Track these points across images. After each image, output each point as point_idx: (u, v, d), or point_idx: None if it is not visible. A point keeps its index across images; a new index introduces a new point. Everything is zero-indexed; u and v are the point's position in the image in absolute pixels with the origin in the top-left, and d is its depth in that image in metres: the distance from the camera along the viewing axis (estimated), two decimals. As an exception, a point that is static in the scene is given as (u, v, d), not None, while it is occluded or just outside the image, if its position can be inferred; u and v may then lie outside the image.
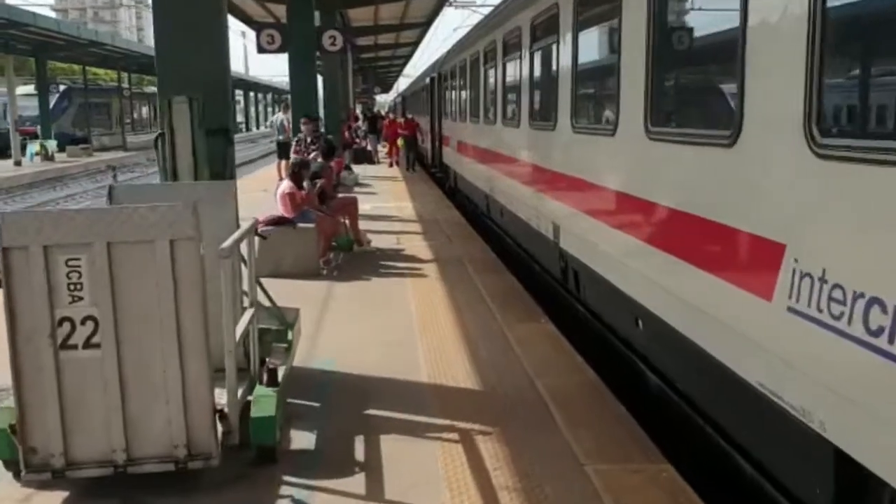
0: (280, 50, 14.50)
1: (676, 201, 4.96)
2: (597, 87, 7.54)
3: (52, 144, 36.40)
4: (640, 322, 5.69)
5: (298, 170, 9.40)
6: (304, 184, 9.39)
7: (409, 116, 25.92)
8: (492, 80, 12.35)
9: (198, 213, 3.66)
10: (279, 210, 9.29)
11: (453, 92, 18.58)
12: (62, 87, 47.18)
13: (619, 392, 5.45)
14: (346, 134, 28.38)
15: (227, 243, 4.06)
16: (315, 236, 9.09)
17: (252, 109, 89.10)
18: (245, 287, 4.70)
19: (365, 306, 7.75)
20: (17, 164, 32.84)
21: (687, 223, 4.75)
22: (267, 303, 5.25)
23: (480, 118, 13.58)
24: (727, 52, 4.24)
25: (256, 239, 5.09)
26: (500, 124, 11.34)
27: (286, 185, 9.35)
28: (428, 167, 25.67)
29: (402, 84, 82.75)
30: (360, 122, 32.70)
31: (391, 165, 25.90)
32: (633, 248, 5.70)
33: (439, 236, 11.97)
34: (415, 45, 39.86)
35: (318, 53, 15.72)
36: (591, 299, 7.13)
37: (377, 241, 11.22)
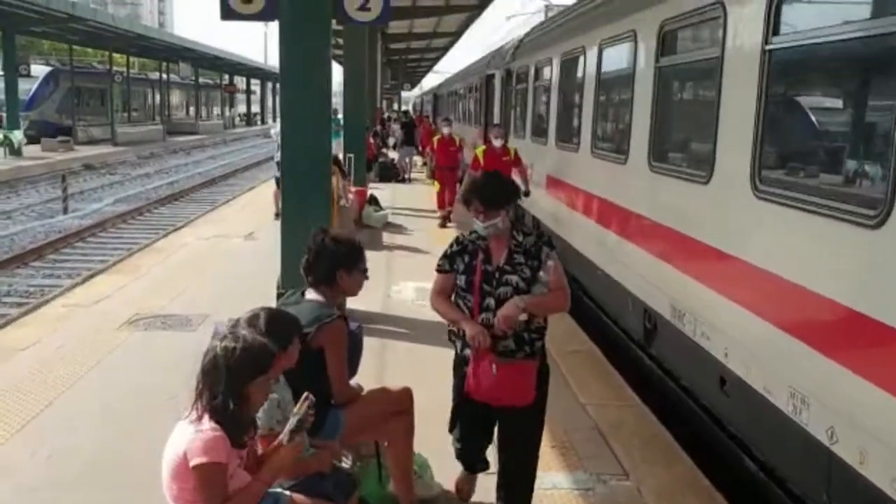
0: (262, 16, 7.13)
1: None
2: None
3: (17, 136, 29.99)
4: None
5: (232, 379, 2.70)
6: (259, 418, 2.85)
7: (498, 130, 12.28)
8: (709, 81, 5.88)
9: None
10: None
11: (545, 100, 11.90)
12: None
13: None
14: (372, 142, 21.72)
15: None
16: None
17: (269, 101, 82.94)
18: None
19: None
20: (-29, 160, 26.59)
21: None
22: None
23: (632, 152, 7.02)
24: None
25: None
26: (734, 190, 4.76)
27: (198, 440, 2.65)
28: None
29: (427, 83, 73.81)
30: (393, 124, 26.10)
31: (444, 222, 13.93)
32: None
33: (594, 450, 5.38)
34: (456, 35, 33.26)
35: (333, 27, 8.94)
36: None
37: (440, 460, 4.66)
